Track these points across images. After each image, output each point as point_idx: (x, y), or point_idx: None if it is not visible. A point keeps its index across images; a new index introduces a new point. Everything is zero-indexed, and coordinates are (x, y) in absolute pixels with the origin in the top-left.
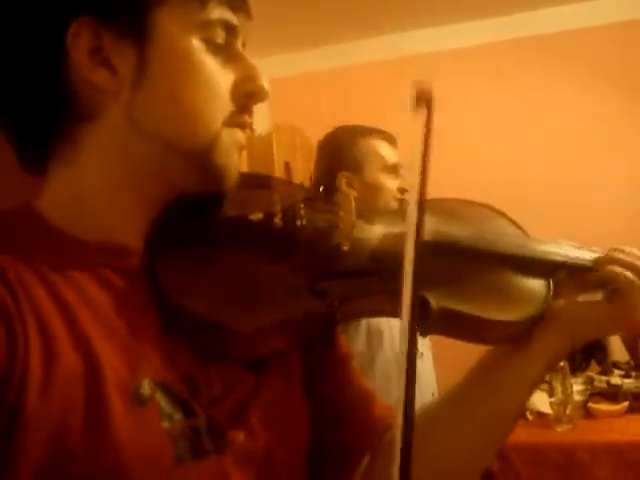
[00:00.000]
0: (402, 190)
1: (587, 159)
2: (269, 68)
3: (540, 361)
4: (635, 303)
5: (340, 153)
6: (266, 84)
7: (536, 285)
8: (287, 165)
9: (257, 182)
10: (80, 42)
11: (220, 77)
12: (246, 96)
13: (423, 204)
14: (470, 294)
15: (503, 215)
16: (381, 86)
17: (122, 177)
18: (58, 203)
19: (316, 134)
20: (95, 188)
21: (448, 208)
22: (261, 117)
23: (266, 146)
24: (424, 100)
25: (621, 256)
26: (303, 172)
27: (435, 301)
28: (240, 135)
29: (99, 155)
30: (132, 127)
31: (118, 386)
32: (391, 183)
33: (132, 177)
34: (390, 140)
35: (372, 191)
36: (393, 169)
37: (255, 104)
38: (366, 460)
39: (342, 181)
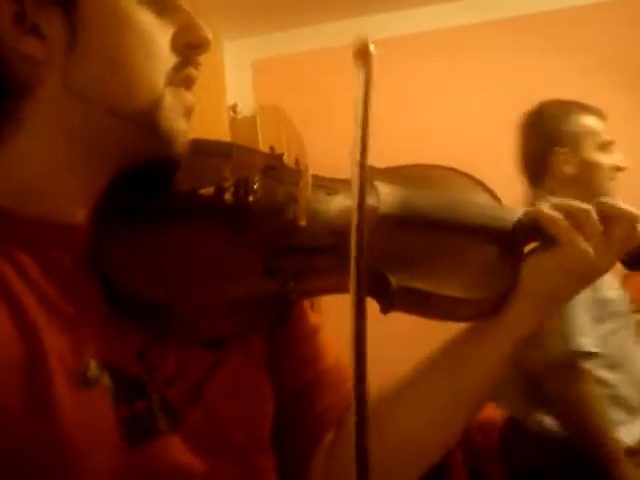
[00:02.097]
0: (617, 168)
1: None
2: (252, 49)
3: (508, 335)
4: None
5: (555, 131)
6: (209, 33)
7: (506, 257)
8: (272, 149)
9: (217, 150)
10: (1, 11)
11: (157, 30)
12: (188, 47)
13: (365, 164)
14: (434, 270)
15: (476, 182)
16: None
17: (65, 151)
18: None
19: (300, 115)
20: (37, 165)
21: (414, 176)
22: (245, 99)
23: (251, 128)
24: (363, 56)
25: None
26: (288, 153)
27: (395, 279)
28: (187, 96)
29: (40, 130)
30: (71, 96)
31: (63, 370)
32: (607, 161)
33: (76, 150)
34: (601, 116)
35: (590, 170)
36: (608, 146)
37: (198, 55)
38: (330, 436)
39: (559, 158)
